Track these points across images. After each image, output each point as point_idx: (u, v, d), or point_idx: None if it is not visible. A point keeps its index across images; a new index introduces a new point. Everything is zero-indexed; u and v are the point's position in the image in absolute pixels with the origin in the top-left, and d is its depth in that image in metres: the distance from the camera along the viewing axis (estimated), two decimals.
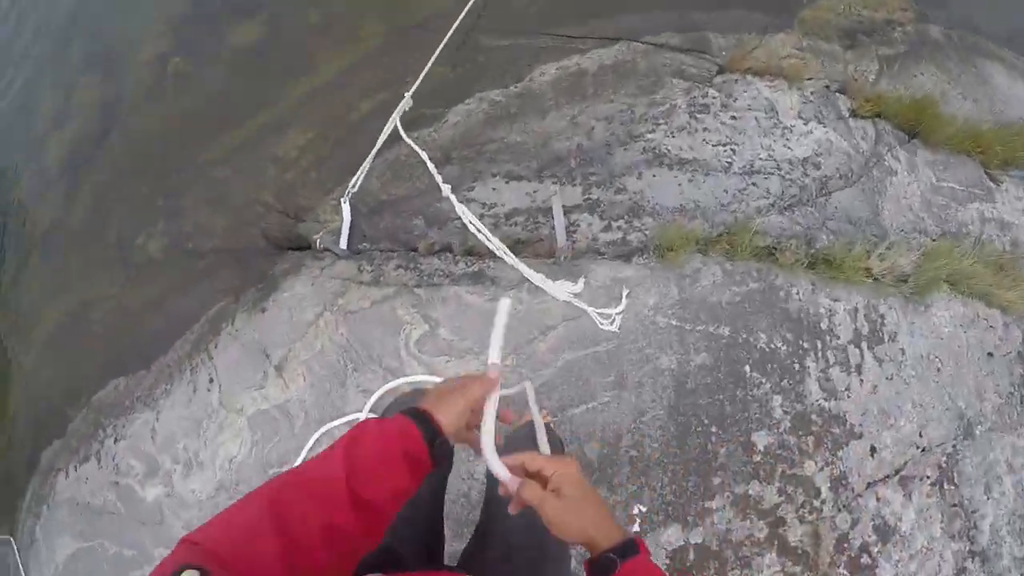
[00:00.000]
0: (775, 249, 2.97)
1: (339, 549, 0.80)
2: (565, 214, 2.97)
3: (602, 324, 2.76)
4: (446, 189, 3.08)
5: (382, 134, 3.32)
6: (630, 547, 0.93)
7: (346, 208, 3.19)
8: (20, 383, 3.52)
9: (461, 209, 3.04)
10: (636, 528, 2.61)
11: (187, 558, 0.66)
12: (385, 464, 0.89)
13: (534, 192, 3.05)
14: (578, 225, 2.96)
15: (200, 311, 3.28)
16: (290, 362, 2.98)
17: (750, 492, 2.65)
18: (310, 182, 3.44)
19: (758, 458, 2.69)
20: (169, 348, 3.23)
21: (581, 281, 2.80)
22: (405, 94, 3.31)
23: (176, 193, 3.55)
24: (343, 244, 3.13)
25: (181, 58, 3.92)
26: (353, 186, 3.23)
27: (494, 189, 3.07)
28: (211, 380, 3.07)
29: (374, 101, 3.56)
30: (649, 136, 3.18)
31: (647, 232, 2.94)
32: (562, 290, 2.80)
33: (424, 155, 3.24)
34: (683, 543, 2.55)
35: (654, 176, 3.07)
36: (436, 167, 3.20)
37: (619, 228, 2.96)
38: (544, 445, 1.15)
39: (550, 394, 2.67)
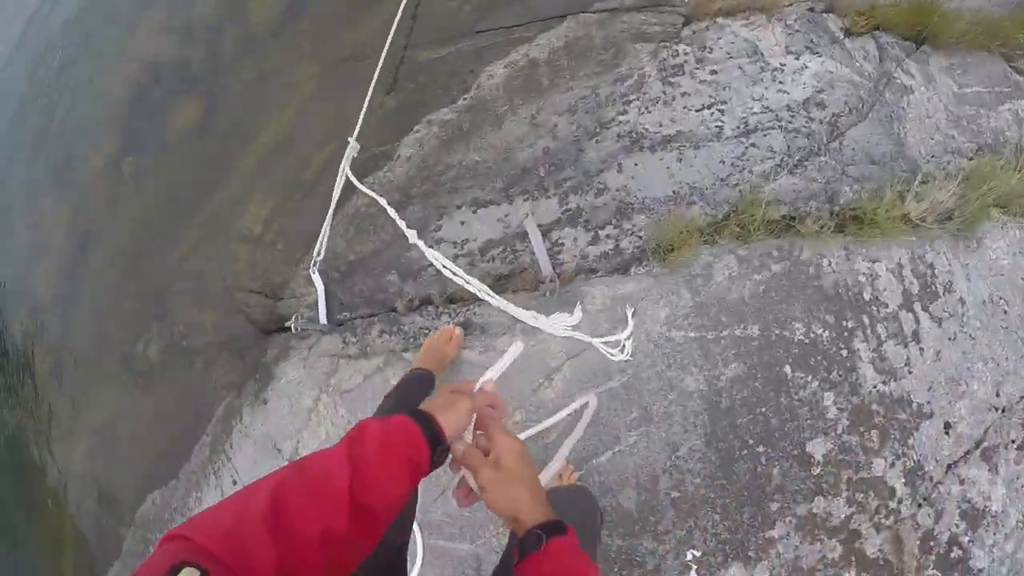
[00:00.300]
0: (793, 219, 2.13)
1: (336, 553, 0.67)
2: (544, 234, 2.19)
3: (611, 355, 2.00)
4: (411, 235, 2.32)
5: (335, 189, 2.56)
6: (558, 527, 0.79)
7: (317, 279, 2.48)
8: (71, 510, 3.07)
9: (431, 255, 2.28)
10: (693, 575, 1.91)
11: (181, 555, 0.55)
12: (388, 470, 0.75)
13: (505, 216, 2.26)
14: (562, 244, 2.17)
15: (209, 410, 2.69)
16: (300, 452, 2.36)
17: (814, 510, 1.92)
18: (279, 256, 2.74)
19: (817, 470, 1.95)
20: (190, 454, 2.67)
21: (578, 309, 2.04)
22: (349, 140, 2.50)
23: (159, 294, 2.93)
24: (322, 319, 2.43)
25: (132, 156, 3.24)
26: (318, 254, 2.51)
27: (462, 223, 2.29)
28: (234, 482, 2.53)
29: (324, 152, 2.80)
30: (621, 119, 2.32)
31: (641, 234, 2.13)
32: (558, 324, 2.04)
33: (383, 201, 2.47)
34: None
35: (636, 165, 2.23)
36: (397, 211, 2.44)
37: (608, 237, 2.15)
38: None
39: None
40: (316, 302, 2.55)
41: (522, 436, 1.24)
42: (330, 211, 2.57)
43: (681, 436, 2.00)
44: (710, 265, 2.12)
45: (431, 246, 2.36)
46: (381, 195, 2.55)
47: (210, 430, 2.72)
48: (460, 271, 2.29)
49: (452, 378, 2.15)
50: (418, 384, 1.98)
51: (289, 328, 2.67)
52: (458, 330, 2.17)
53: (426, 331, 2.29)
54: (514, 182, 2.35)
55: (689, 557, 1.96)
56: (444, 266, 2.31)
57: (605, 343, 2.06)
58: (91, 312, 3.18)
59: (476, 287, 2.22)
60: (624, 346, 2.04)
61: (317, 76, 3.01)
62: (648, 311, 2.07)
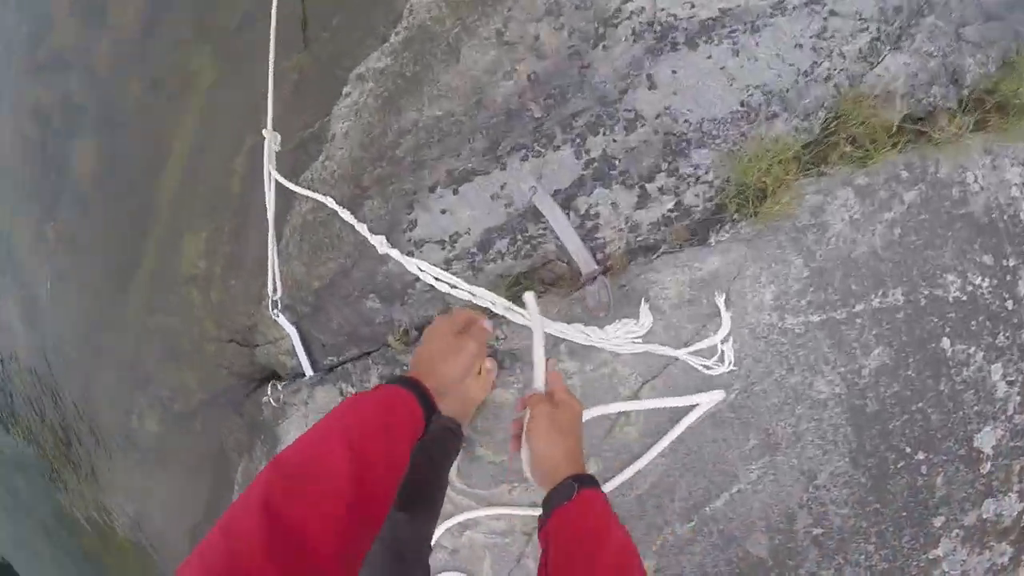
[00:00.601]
0: (918, 119, 1.04)
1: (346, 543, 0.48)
2: (565, 207, 1.16)
3: (706, 367, 1.08)
4: (379, 243, 1.34)
5: (267, 199, 1.51)
6: (590, 479, 0.67)
7: (283, 322, 1.56)
8: None
9: (413, 265, 1.32)
10: None
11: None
12: (391, 458, 0.58)
13: (501, 189, 1.24)
14: (595, 215, 1.16)
15: (228, 476, 1.92)
16: None
17: (984, 515, 1.19)
18: (236, 293, 1.81)
19: (987, 467, 1.18)
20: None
21: (644, 311, 1.10)
22: (263, 131, 1.41)
23: (131, 363, 2.11)
24: (307, 369, 1.55)
25: (53, 221, 2.22)
26: (273, 291, 1.54)
27: (444, 211, 1.28)
28: None
29: (243, 152, 1.78)
30: (630, 8, 1.15)
31: (710, 178, 1.11)
32: (621, 337, 1.09)
33: (329, 201, 1.47)
34: None
35: (673, 72, 1.15)
36: (352, 211, 1.45)
37: (663, 192, 1.13)
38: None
39: (672, 494, 1.13)
40: (292, 348, 1.63)
41: (610, 485, 1.09)
42: (270, 230, 1.57)
43: (819, 460, 1.15)
44: (820, 209, 1.11)
45: (410, 253, 1.38)
46: (325, 193, 1.51)
47: (236, 494, 1.97)
48: (459, 281, 1.32)
49: (485, 428, 1.29)
50: (441, 446, 1.14)
51: (276, 377, 1.80)
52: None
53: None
54: (499, 135, 1.28)
55: None
56: (436, 278, 1.34)
57: (695, 352, 1.12)
58: (76, 403, 2.36)
59: (487, 299, 1.26)
60: (723, 352, 1.11)
61: (211, 64, 1.86)
62: (747, 295, 1.11)
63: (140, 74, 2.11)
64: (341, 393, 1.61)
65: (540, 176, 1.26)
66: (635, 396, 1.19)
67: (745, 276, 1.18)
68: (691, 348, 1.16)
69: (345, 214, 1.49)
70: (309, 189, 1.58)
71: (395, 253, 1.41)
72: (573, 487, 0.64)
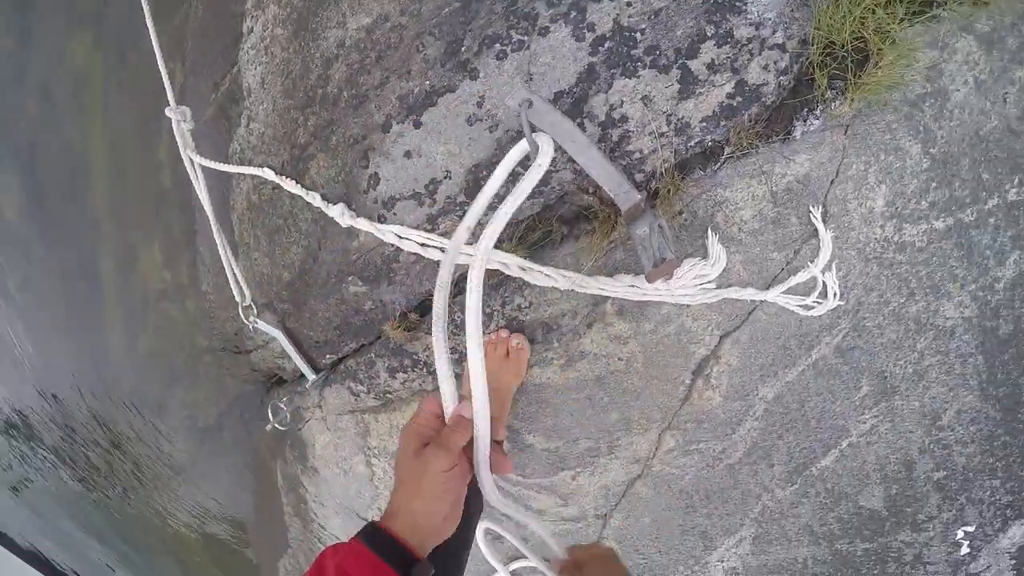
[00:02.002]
0: None
1: None
2: (576, 118, 0.71)
3: (805, 307, 0.69)
4: (338, 213, 0.94)
5: (198, 190, 1.10)
6: None
7: (265, 327, 1.22)
8: None
9: (388, 234, 0.90)
10: (965, 550, 0.91)
11: None
12: None
13: (477, 106, 0.78)
14: (622, 120, 0.70)
15: (270, 480, 1.74)
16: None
17: None
18: (213, 299, 1.52)
19: None
20: (284, 523, 1.85)
21: (713, 244, 0.68)
22: (167, 111, 0.93)
23: (137, 392, 1.82)
24: (307, 374, 1.23)
25: (9, 273, 1.84)
26: (242, 299, 1.18)
27: (408, 153, 0.85)
28: None
29: (164, 139, 1.29)
30: None
31: (781, 39, 0.60)
32: (684, 285, 0.70)
33: (266, 173, 1.01)
34: None
35: None
36: (296, 179, 0.99)
37: (715, 67, 0.66)
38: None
39: (770, 459, 0.82)
40: (284, 351, 1.31)
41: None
42: (212, 225, 1.16)
43: (944, 399, 0.81)
44: (937, 70, 0.64)
45: (381, 218, 0.98)
46: (260, 164, 1.08)
47: (285, 500, 1.82)
48: (451, 242, 0.91)
49: (529, 414, 0.99)
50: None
51: (282, 380, 1.52)
52: (514, 340, 0.94)
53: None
54: (458, 30, 0.79)
55: (960, 535, 0.95)
56: (423, 243, 0.94)
57: (788, 291, 0.73)
58: (104, 438, 2.17)
59: (496, 260, 0.88)
60: (824, 284, 0.71)
61: (94, 51, 1.33)
62: (851, 203, 0.70)
63: (28, 87, 1.62)
64: (352, 392, 1.31)
65: (529, 78, 0.79)
66: (714, 354, 0.83)
67: (847, 177, 0.75)
68: (782, 286, 0.76)
69: (289, 184, 1.07)
70: (240, 163, 1.14)
71: (362, 223, 1.00)
72: None
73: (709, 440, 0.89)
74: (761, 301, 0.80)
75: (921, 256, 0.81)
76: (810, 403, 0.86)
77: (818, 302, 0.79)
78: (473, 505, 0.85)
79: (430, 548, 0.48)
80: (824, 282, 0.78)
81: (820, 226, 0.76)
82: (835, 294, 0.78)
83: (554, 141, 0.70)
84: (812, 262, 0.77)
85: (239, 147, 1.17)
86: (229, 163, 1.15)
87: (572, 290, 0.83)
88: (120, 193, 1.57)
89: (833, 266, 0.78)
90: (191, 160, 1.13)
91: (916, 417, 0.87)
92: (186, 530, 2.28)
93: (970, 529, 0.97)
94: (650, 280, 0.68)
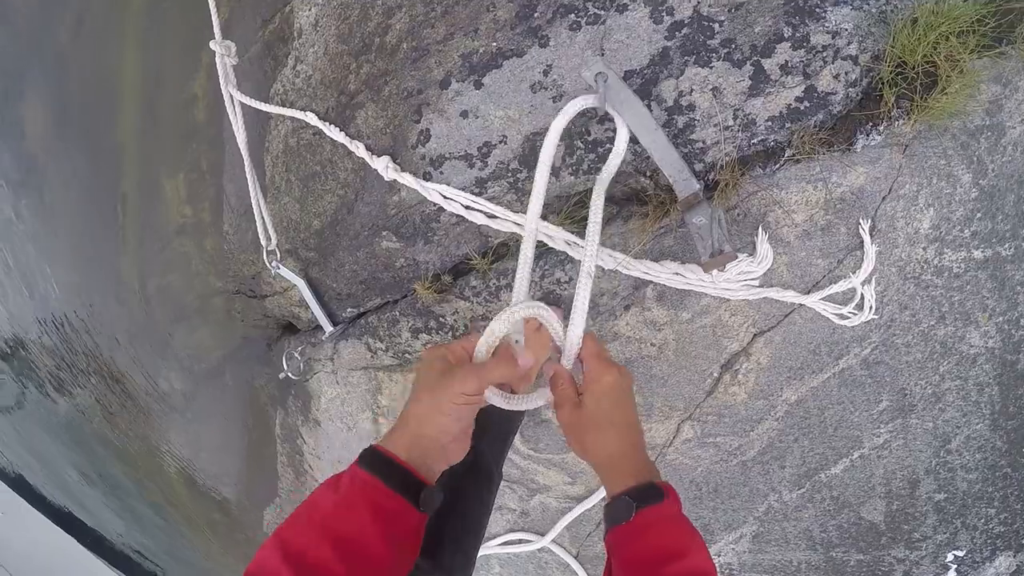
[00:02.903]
0: None
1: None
2: (644, 98, 0.72)
3: (841, 317, 0.73)
4: (383, 166, 0.97)
5: (236, 128, 1.11)
6: (652, 492, 0.47)
7: (287, 274, 1.24)
8: (208, 530, 2.52)
9: (433, 192, 0.94)
10: (952, 573, 0.98)
11: None
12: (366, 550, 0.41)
13: (543, 75, 0.80)
14: (689, 108, 0.72)
15: (267, 428, 1.78)
16: None
17: None
18: (232, 239, 1.52)
19: None
20: (276, 472, 1.89)
21: (763, 243, 0.71)
22: (211, 44, 0.95)
23: (145, 327, 1.84)
24: (325, 325, 1.26)
25: (23, 200, 1.83)
26: (267, 242, 1.19)
27: (465, 113, 0.88)
28: None
29: (202, 71, 1.34)
30: None
31: (855, 51, 0.63)
32: (729, 280, 0.73)
33: (310, 118, 1.03)
34: (1016, 567, 0.92)
35: None
36: (342, 127, 1.02)
37: (786, 71, 0.67)
38: (570, 354, 0.54)
39: (783, 460, 0.87)
40: (302, 299, 1.34)
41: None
42: (246, 165, 1.17)
43: (957, 422, 0.85)
44: (997, 105, 0.65)
45: (427, 175, 0.99)
46: (304, 108, 1.09)
47: (280, 449, 1.86)
48: (498, 208, 0.95)
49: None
50: (493, 414, 0.88)
51: (293, 328, 1.55)
52: (548, 312, 0.92)
53: (484, 323, 1.08)
54: None
55: (950, 558, 1.00)
56: (467, 206, 0.96)
57: (827, 299, 0.76)
58: (105, 367, 2.18)
59: (542, 233, 0.90)
60: (862, 296, 0.75)
61: None
62: (899, 221, 0.73)
63: (62, 14, 1.59)
64: (369, 349, 1.34)
65: (601, 53, 0.80)
66: (745, 351, 0.86)
67: (899, 195, 0.77)
68: (822, 292, 0.79)
69: (332, 131, 1.07)
70: (282, 105, 1.14)
71: (406, 178, 1.02)
72: (631, 508, 0.46)
73: (727, 435, 0.92)
74: (799, 305, 0.82)
75: (956, 282, 0.84)
76: (830, 411, 0.90)
77: (854, 313, 0.82)
78: (485, 479, 0.88)
79: (436, 473, 0.48)
80: (863, 294, 0.80)
81: (867, 239, 0.79)
82: (871, 307, 0.81)
83: (628, 127, 0.72)
84: (854, 273, 0.80)
85: (282, 88, 1.17)
86: (271, 103, 1.15)
87: (615, 271, 0.85)
88: (149, 122, 1.56)
89: (873, 280, 0.81)
90: (231, 96, 1.13)
91: (928, 438, 0.91)
92: (173, 470, 2.32)
93: (960, 554, 1.02)
94: (706, 269, 0.70)
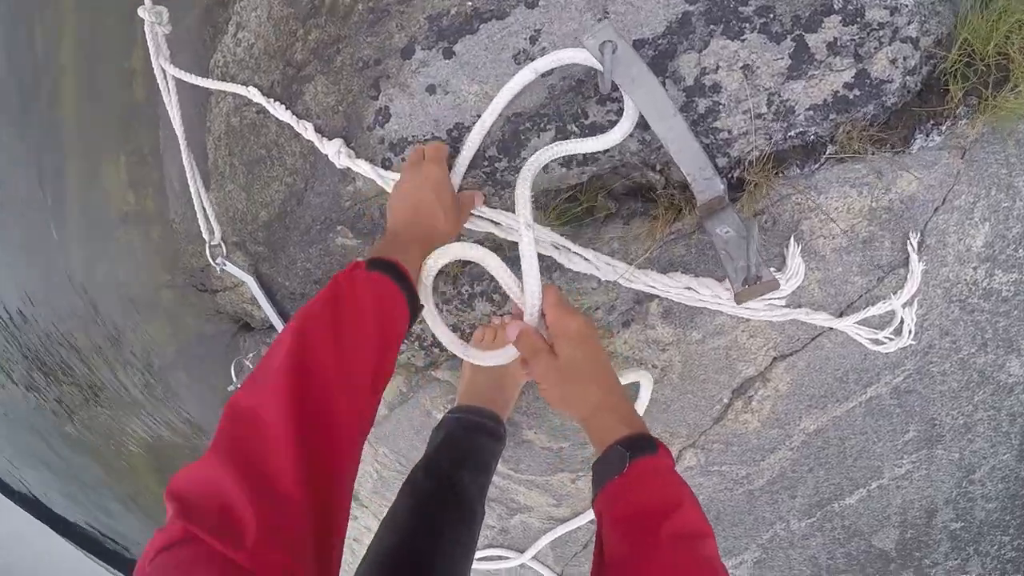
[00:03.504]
0: None
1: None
2: (658, 74, 0.56)
3: (876, 343, 0.62)
4: (332, 149, 0.77)
5: (169, 107, 0.91)
6: (645, 443, 0.46)
7: (234, 270, 1.08)
8: None
9: (392, 182, 0.75)
10: None
11: None
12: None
13: (530, 42, 0.63)
14: (714, 89, 0.57)
15: None
16: (363, 495, 1.38)
17: None
18: (179, 228, 1.36)
19: None
20: None
21: (794, 256, 0.59)
22: (138, 10, 0.80)
23: (94, 318, 1.66)
24: (277, 325, 1.11)
25: None
26: (211, 238, 1.02)
27: (431, 88, 0.72)
28: None
29: (139, 43, 1.10)
30: None
31: (915, 33, 0.49)
32: (758, 297, 0.61)
33: (252, 92, 0.83)
34: None
35: None
36: (286, 103, 0.82)
37: (834, 50, 0.53)
38: (532, 309, 0.52)
39: (794, 491, 0.79)
40: (255, 297, 1.18)
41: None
42: (183, 149, 0.98)
43: (984, 453, 0.78)
44: None
45: (386, 162, 0.83)
46: (245, 81, 0.89)
47: None
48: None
49: (535, 410, 0.92)
50: (473, 440, 0.78)
51: (249, 327, 1.40)
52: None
53: (455, 332, 0.93)
54: None
55: None
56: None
57: (862, 322, 0.64)
58: (61, 359, 2.00)
59: (525, 234, 0.74)
60: (902, 320, 0.63)
61: None
62: (950, 236, 0.60)
63: None
64: None
65: (604, 16, 0.63)
66: (762, 376, 0.75)
67: (953, 207, 0.64)
68: (858, 315, 0.67)
69: (277, 109, 0.89)
70: (222, 79, 0.94)
71: (361, 165, 0.85)
72: (624, 458, 0.44)
73: (734, 464, 0.82)
74: (830, 328, 0.70)
75: (1003, 307, 0.73)
76: (851, 441, 0.80)
77: (890, 338, 0.70)
78: (490, 456, 0.79)
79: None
80: (903, 318, 0.68)
81: (914, 256, 0.66)
82: (910, 332, 0.69)
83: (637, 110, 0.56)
84: (895, 294, 0.67)
85: (223, 60, 0.97)
86: (209, 77, 0.95)
87: (613, 282, 0.71)
88: (87, 101, 1.34)
89: (915, 302, 0.69)
90: (163, 70, 0.93)
91: (952, 468, 0.82)
92: (139, 458, 2.20)
93: None
94: (739, 300, 0.57)
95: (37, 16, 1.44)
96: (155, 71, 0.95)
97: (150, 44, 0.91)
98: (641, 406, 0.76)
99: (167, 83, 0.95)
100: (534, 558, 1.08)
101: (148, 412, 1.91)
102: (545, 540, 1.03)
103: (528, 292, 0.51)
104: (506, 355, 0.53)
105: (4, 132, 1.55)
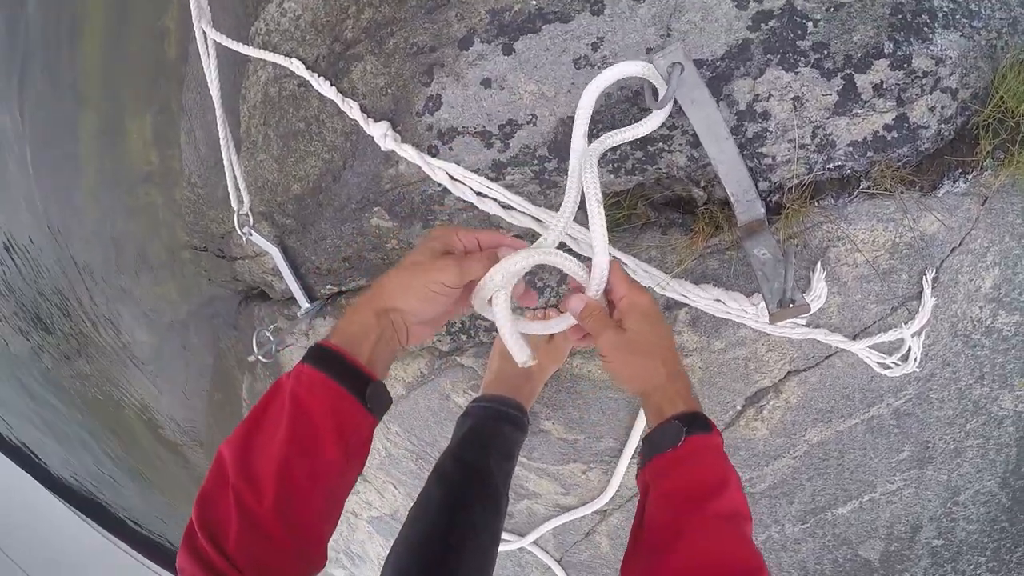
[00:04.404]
0: None
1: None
2: (714, 95, 0.61)
3: (884, 367, 0.69)
4: (379, 132, 0.80)
5: (207, 72, 0.93)
6: (700, 422, 0.48)
7: (260, 241, 1.11)
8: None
9: (436, 169, 0.81)
10: None
11: None
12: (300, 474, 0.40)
13: (592, 49, 0.68)
14: (764, 116, 0.64)
15: (232, 390, 1.77)
16: (369, 470, 1.44)
17: None
18: (202, 192, 1.37)
19: None
20: None
21: (819, 280, 0.64)
22: None
23: (105, 275, 1.69)
24: (301, 301, 1.15)
25: None
26: (240, 206, 1.05)
27: (486, 82, 0.76)
28: None
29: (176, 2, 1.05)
30: None
31: (955, 84, 0.55)
32: (789, 319, 0.67)
33: (296, 66, 0.86)
34: None
35: None
36: (332, 81, 0.85)
37: (879, 92, 0.58)
38: (597, 284, 0.51)
39: (792, 497, 0.87)
40: (276, 268, 1.22)
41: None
42: (218, 115, 1.00)
43: (970, 478, 0.86)
44: None
45: (433, 149, 0.86)
46: (289, 53, 0.91)
47: (246, 412, 1.77)
48: (516, 199, 0.84)
49: (556, 402, 0.97)
50: (499, 429, 0.86)
51: (265, 296, 1.43)
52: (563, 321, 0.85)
53: (486, 322, 1.00)
54: None
55: None
56: (480, 192, 0.84)
57: (874, 347, 0.70)
58: (70, 311, 2.00)
59: (568, 231, 0.78)
60: (910, 348, 0.69)
61: None
62: (962, 276, 0.67)
63: None
64: None
65: (667, 33, 0.67)
66: (776, 388, 0.81)
67: (968, 249, 0.70)
68: (870, 340, 0.73)
69: (321, 85, 0.91)
70: (264, 48, 0.95)
71: (407, 150, 0.88)
72: (680, 432, 0.46)
73: (740, 467, 0.89)
74: (843, 349, 0.76)
75: (1003, 345, 0.79)
76: (850, 455, 0.87)
77: (897, 364, 0.77)
78: (514, 446, 0.83)
79: (385, 360, 0.46)
80: (911, 346, 0.75)
81: (928, 291, 0.72)
82: (916, 360, 0.76)
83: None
84: (906, 324, 0.74)
85: (265, 28, 0.98)
86: (250, 44, 0.96)
87: (648, 288, 0.76)
88: (114, 54, 1.33)
89: (924, 333, 0.75)
90: (203, 33, 0.94)
91: (939, 488, 0.90)
92: (135, 417, 2.22)
93: None
94: (773, 321, 0.62)
95: None
96: (195, 33, 0.96)
97: (192, 5, 0.92)
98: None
99: (207, 46, 0.96)
100: (535, 543, 1.14)
101: (149, 375, 1.93)
102: (548, 526, 1.09)
103: (597, 266, 0.51)
104: (564, 322, 0.54)
105: (26, 81, 1.54)
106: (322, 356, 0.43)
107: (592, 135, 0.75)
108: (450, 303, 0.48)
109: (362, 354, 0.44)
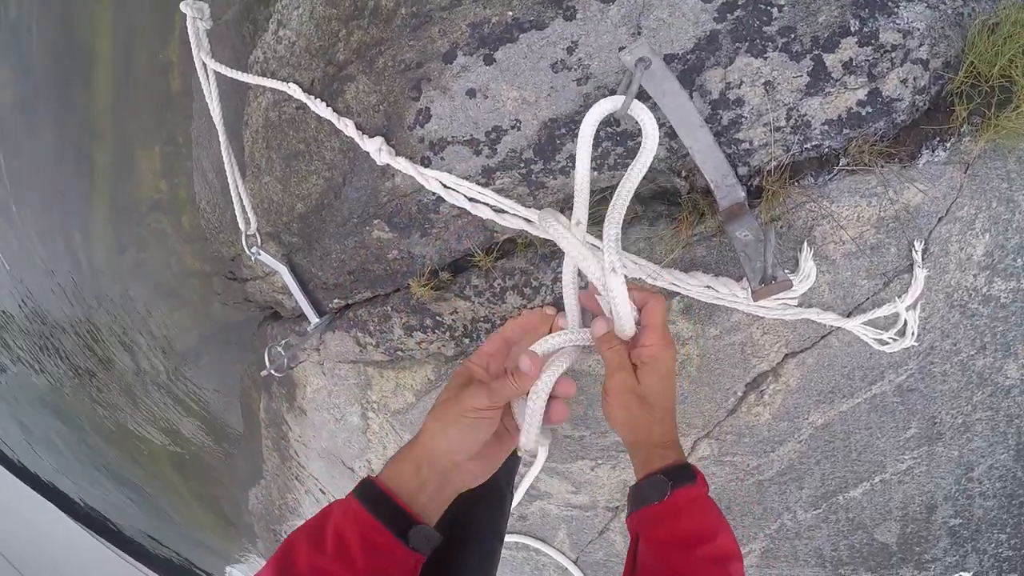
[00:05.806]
0: None
1: None
2: (687, 87, 0.64)
3: (881, 343, 0.69)
4: (373, 147, 0.86)
5: (209, 99, 0.99)
6: (686, 473, 0.49)
7: (268, 260, 1.16)
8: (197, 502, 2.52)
9: (430, 179, 0.86)
10: None
11: None
12: None
13: (567, 53, 0.73)
14: (737, 103, 0.66)
15: (251, 411, 1.80)
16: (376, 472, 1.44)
17: None
18: (211, 218, 1.43)
19: None
20: (262, 455, 1.87)
21: (807, 260, 0.66)
22: (180, 5, 0.85)
23: (121, 304, 1.80)
24: (310, 316, 1.19)
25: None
26: (248, 227, 1.10)
27: (471, 92, 0.82)
28: (322, 491, 1.77)
29: (177, 36, 1.19)
30: None
31: (925, 55, 0.56)
32: (773, 296, 0.68)
33: (293, 89, 0.91)
34: None
35: None
36: (328, 101, 0.91)
37: (849, 69, 0.60)
38: (628, 318, 0.51)
39: (801, 482, 0.87)
40: (285, 286, 1.27)
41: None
42: (221, 141, 1.06)
43: (981, 452, 0.85)
44: None
45: (425, 160, 0.91)
46: (286, 78, 0.98)
47: (265, 433, 1.84)
48: (506, 201, 0.87)
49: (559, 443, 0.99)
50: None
51: (276, 315, 1.49)
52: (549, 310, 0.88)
53: (486, 324, 1.03)
54: None
55: None
56: (471, 198, 0.88)
57: (869, 323, 0.71)
58: (88, 343, 2.09)
59: (551, 228, 0.83)
60: (906, 322, 0.70)
61: None
62: (952, 245, 0.68)
63: None
64: (358, 343, 1.28)
65: (637, 31, 0.70)
66: (774, 371, 0.82)
67: (956, 217, 0.71)
68: (864, 316, 0.74)
69: (318, 106, 0.97)
70: (262, 75, 1.02)
71: (401, 163, 0.92)
72: (666, 487, 0.48)
73: (746, 455, 0.90)
74: (838, 328, 0.77)
75: (1002, 312, 0.79)
76: (856, 436, 0.87)
77: (894, 339, 0.77)
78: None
79: (446, 498, 0.48)
80: (906, 320, 0.76)
81: (918, 262, 0.73)
82: (913, 333, 0.77)
83: (655, 117, 0.64)
84: (900, 297, 0.75)
85: (263, 56, 1.05)
86: (249, 72, 1.03)
87: (639, 279, 0.79)
88: (123, 89, 1.42)
89: (918, 306, 0.76)
90: (204, 64, 1.01)
91: (951, 465, 0.89)
92: (158, 442, 2.29)
93: (967, 575, 1.04)
94: (756, 298, 0.64)
95: (76, 5, 1.52)
96: (196, 65, 1.03)
97: (191, 38, 0.99)
98: None
99: (208, 77, 1.03)
100: (552, 546, 1.16)
101: (164, 393, 2.01)
102: (527, 483, 1.08)
103: (623, 316, 0.51)
104: (585, 338, 0.54)
105: (38, 119, 1.65)
106: (366, 491, 0.46)
107: (572, 136, 0.78)
108: (491, 428, 0.50)
109: (412, 502, 0.46)
